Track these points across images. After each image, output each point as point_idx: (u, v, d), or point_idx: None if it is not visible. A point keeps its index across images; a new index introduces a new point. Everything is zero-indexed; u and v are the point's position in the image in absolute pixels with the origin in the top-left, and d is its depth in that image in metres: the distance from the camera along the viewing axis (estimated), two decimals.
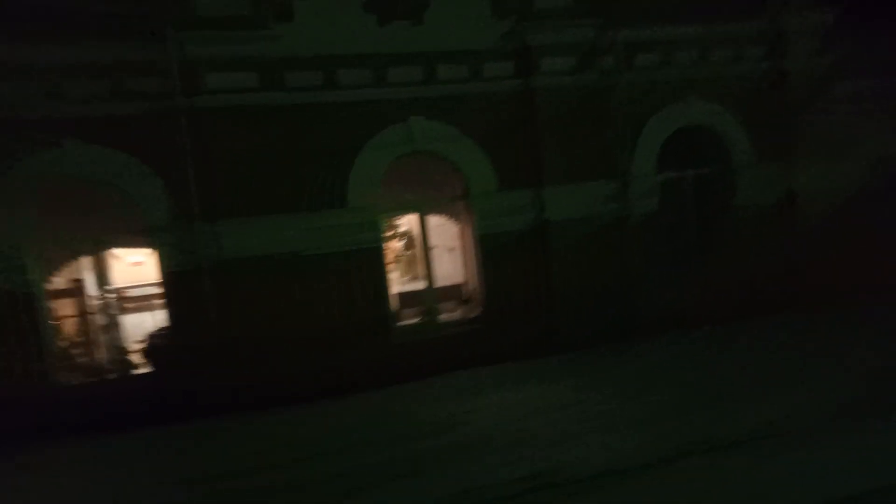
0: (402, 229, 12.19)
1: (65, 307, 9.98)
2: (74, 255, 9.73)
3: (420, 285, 11.23)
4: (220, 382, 8.99)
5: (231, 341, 9.06)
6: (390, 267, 10.51)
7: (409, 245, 13.13)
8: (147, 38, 8.52)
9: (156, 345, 9.93)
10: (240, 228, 8.93)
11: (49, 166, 8.48)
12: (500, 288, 10.14)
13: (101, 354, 9.98)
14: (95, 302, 10.23)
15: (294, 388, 8.98)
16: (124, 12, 8.46)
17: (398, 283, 12.08)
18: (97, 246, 9.40)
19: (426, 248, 10.48)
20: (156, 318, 11.26)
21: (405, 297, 10.84)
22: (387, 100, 9.50)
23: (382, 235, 9.88)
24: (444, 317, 10.42)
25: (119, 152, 8.62)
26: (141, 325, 11.52)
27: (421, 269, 11.39)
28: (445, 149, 9.84)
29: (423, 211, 10.48)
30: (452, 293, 10.82)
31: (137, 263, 12.34)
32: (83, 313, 10.00)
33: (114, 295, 9.92)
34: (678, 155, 11.00)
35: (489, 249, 10.10)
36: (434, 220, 11.12)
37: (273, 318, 9.08)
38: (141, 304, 12.42)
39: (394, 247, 11.66)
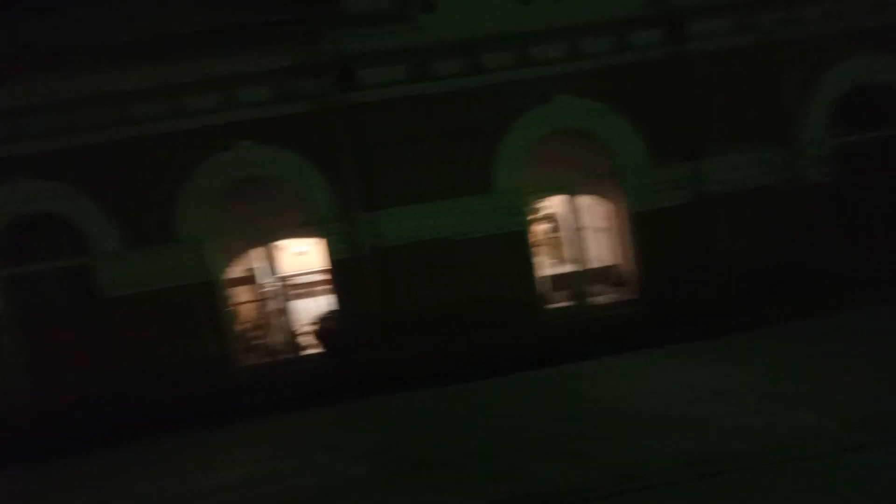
0: (548, 211, 12.08)
1: (240, 294, 10.95)
2: (248, 246, 10.65)
3: (569, 267, 11.08)
4: (382, 361, 9.48)
5: (391, 323, 9.50)
6: (537, 250, 10.45)
7: (557, 227, 12.98)
8: (303, 41, 9.08)
9: (324, 327, 10.64)
10: (396, 217, 9.32)
11: (226, 166, 9.34)
12: (656, 268, 9.75)
13: (275, 337, 10.87)
14: (267, 289, 11.15)
15: (447, 367, 9.23)
16: (282, 20, 9.08)
17: (546, 265, 11.98)
18: (268, 238, 10.22)
19: (576, 230, 10.30)
20: (321, 303, 12.05)
21: (555, 280, 10.74)
22: (531, 79, 9.43)
23: (528, 218, 9.85)
24: (596, 299, 10.21)
25: (286, 150, 9.31)
26: (307, 309, 12.38)
27: (570, 251, 11.23)
28: (593, 125, 9.60)
29: (572, 191, 10.30)
30: (604, 275, 10.56)
31: (301, 253, 13.21)
32: (257, 299, 10.92)
33: (282, 282, 10.74)
34: (854, 116, 9.92)
35: (644, 228, 9.74)
36: (583, 201, 10.90)
37: (429, 300, 9.40)
38: (306, 290, 13.30)
39: (540, 229, 11.60)
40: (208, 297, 9.54)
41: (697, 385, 7.58)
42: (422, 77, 9.17)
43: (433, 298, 9.41)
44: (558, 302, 10.32)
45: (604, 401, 7.50)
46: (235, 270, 10.98)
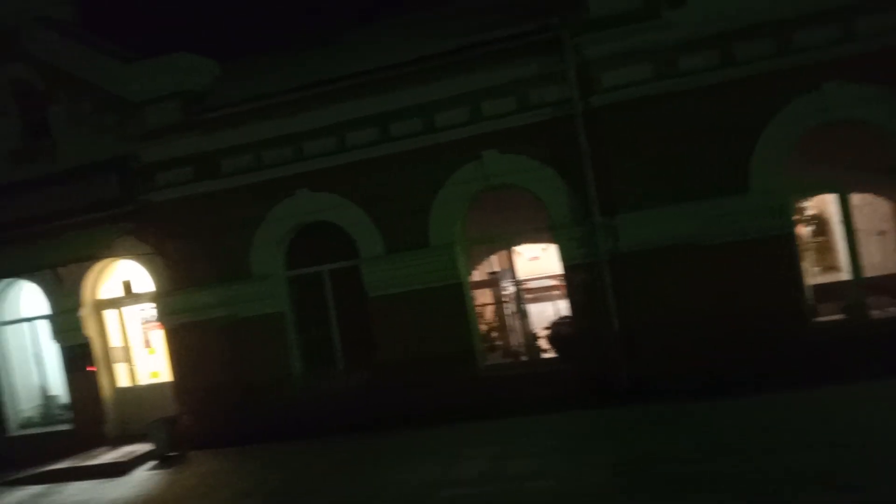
0: (812, 212, 10.79)
1: (483, 296, 11.47)
2: (489, 251, 11.13)
3: (838, 276, 9.82)
4: (619, 371, 9.28)
5: (628, 332, 9.27)
6: (802, 255, 9.40)
7: (821, 230, 11.55)
8: (546, 50, 9.25)
9: (557, 332, 10.73)
10: (636, 221, 9.07)
11: (472, 176, 9.91)
12: None
13: (513, 339, 11.21)
14: (506, 292, 11.54)
15: (691, 381, 8.69)
16: (526, 31, 9.34)
17: (810, 273, 10.74)
18: (507, 243, 10.58)
19: (849, 233, 9.08)
20: (555, 308, 12.15)
21: (818, 290, 9.58)
22: (793, 67, 8.52)
23: (792, 220, 8.93)
24: (874, 313, 8.92)
25: (528, 158, 9.59)
26: (542, 313, 12.56)
27: (839, 258, 9.94)
28: (872, 114, 8.40)
29: (843, 190, 9.10)
30: (886, 285, 9.16)
31: (535, 258, 13.43)
32: (498, 302, 11.36)
33: (519, 286, 11.03)
34: None
35: None
36: (858, 200, 9.57)
37: (671, 309, 8.97)
38: (539, 294, 13.49)
39: (801, 232, 10.41)
40: (456, 297, 10.17)
41: None
42: (667, 75, 8.81)
43: (675, 307, 8.96)
44: (826, 314, 9.19)
45: (886, 430, 6.54)
46: (478, 274, 11.53)
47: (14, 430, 12.56)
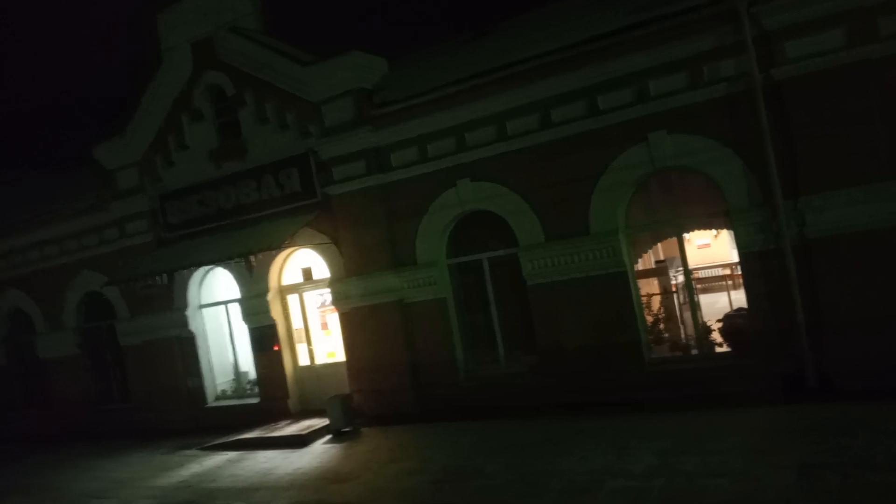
0: None
1: (649, 285, 11.02)
2: (655, 239, 10.63)
3: None
4: (803, 366, 8.53)
5: (816, 324, 8.46)
6: None
7: None
8: (721, 21, 8.67)
9: (734, 324, 10.04)
10: (824, 204, 8.25)
11: (638, 159, 9.53)
12: None
13: (682, 331, 10.66)
14: (674, 282, 11.00)
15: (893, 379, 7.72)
16: (700, 4, 8.80)
17: None
18: (675, 230, 10.06)
19: None
20: (728, 299, 11.41)
21: None
22: None
23: None
24: None
25: (701, 138, 9.06)
26: (713, 304, 11.84)
27: None
28: None
29: None
30: None
31: (705, 245, 12.71)
32: (665, 292, 10.87)
33: (689, 276, 10.46)
34: None
35: None
36: None
37: (865, 302, 8.07)
38: (710, 284, 12.75)
39: None
40: (620, 287, 9.89)
41: None
42: (864, 40, 7.88)
43: (870, 299, 8.02)
44: None
45: None
46: (644, 262, 11.09)
47: (211, 402, 14.11)
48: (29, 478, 12.55)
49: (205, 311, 14.24)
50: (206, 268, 13.70)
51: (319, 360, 13.14)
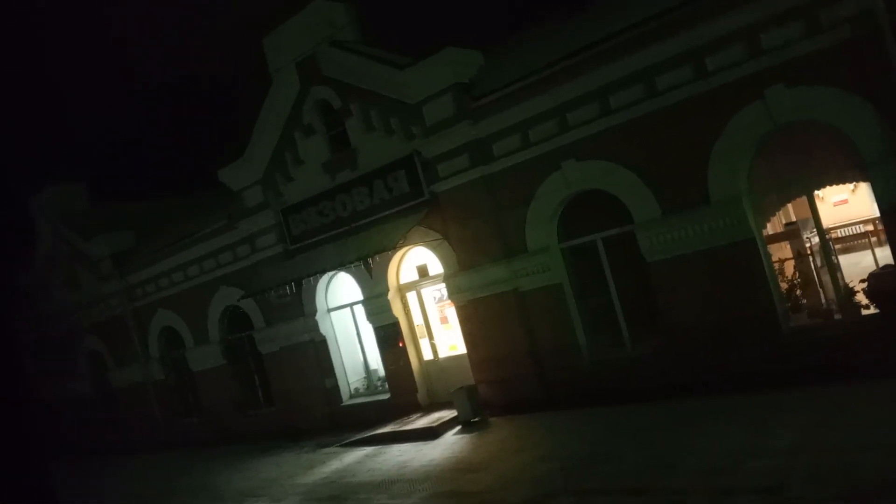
0: None
1: (781, 250, 10.31)
2: (785, 199, 9.90)
3: None
4: None
5: None
6: None
7: None
8: None
9: (881, 284, 9.17)
10: None
11: (757, 117, 8.94)
12: None
13: (822, 296, 9.89)
14: (809, 244, 10.21)
15: None
16: None
17: None
18: (807, 188, 9.32)
19: None
20: (873, 257, 10.45)
21: None
22: None
23: None
24: None
25: (823, 87, 8.35)
26: (856, 264, 10.89)
27: None
28: None
29: None
30: None
31: (841, 202, 11.71)
32: (799, 255, 10.11)
33: (826, 236, 9.67)
34: None
35: None
36: None
37: None
38: (851, 243, 11.74)
39: None
40: (748, 255, 9.34)
41: None
42: None
43: None
44: None
45: None
46: (774, 226, 10.39)
47: (346, 400, 14.79)
48: (192, 478, 13.76)
49: (333, 314, 14.94)
50: (330, 274, 14.36)
51: (442, 354, 13.42)
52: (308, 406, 15.01)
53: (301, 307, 14.83)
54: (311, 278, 14.04)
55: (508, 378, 11.66)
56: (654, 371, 10.08)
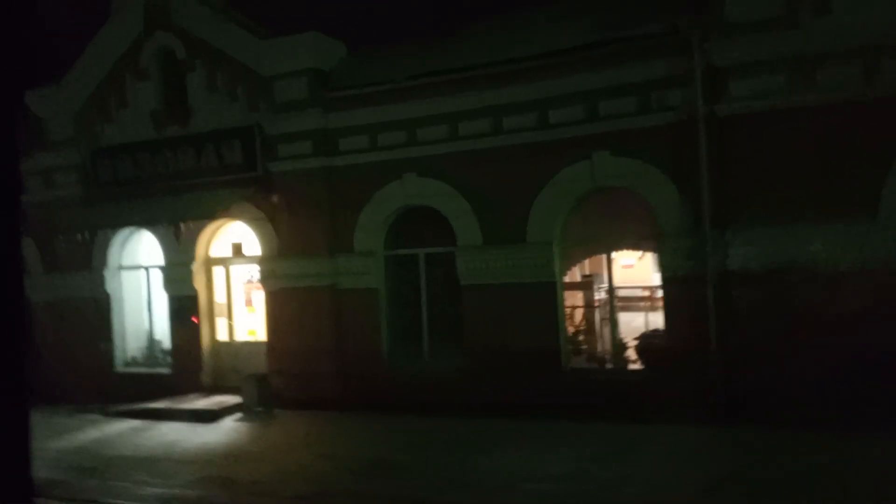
0: None
1: (574, 298, 11.35)
2: (585, 254, 10.97)
3: None
4: (715, 389, 8.95)
5: (730, 351, 8.91)
6: None
7: None
8: (673, 51, 9.07)
9: (649, 344, 10.45)
10: (750, 238, 8.72)
11: (579, 176, 9.84)
12: None
13: (601, 346, 11.04)
14: (598, 297, 11.37)
15: (808, 410, 8.05)
16: (653, 33, 9.21)
17: None
18: (607, 247, 10.42)
19: None
20: (646, 320, 11.85)
21: None
22: None
23: None
24: None
25: (641, 162, 9.42)
26: (630, 323, 12.27)
27: None
28: None
29: None
30: None
31: (629, 266, 13.16)
32: (588, 306, 11.22)
33: (612, 293, 10.84)
34: None
35: None
36: None
37: (777, 334, 8.56)
38: (630, 304, 13.19)
39: None
40: (548, 296, 10.16)
41: None
42: (804, 87, 8.39)
43: (782, 332, 8.54)
44: None
45: None
46: (573, 275, 11.43)
47: (120, 367, 13.55)
48: None
49: (124, 273, 13.71)
50: (132, 229, 13.20)
51: (239, 338, 12.86)
52: (75, 368, 13.50)
53: (90, 259, 13.42)
54: (109, 230, 12.80)
55: (307, 373, 11.45)
56: (452, 388, 10.47)
